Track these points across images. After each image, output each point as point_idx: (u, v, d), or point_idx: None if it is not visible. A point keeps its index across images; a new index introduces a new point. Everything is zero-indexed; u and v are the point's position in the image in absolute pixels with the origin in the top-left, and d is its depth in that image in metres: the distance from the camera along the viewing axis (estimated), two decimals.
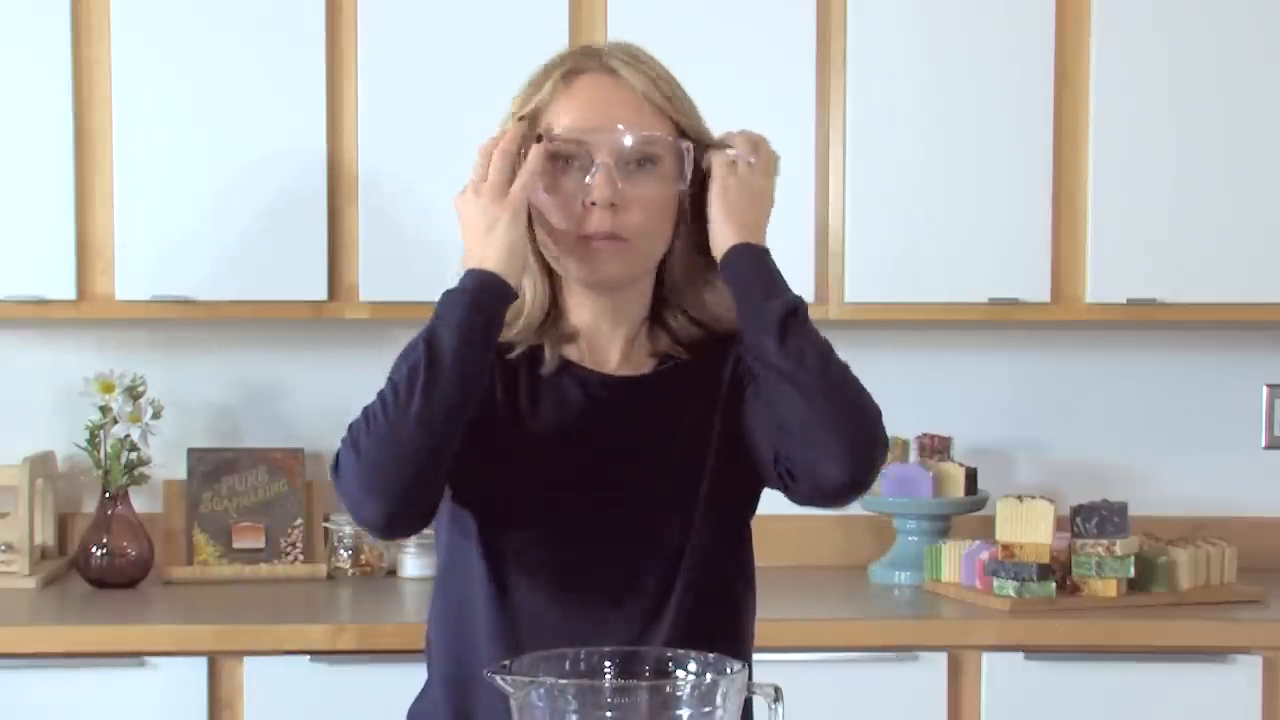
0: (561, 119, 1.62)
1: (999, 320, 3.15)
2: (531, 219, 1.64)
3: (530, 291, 1.67)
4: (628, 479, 1.66)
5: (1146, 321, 3.19)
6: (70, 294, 3.00)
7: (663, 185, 1.63)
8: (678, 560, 1.65)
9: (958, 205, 3.05)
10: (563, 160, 1.62)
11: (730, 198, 1.63)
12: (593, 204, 1.60)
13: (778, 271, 1.64)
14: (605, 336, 1.70)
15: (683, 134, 1.64)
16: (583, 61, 1.64)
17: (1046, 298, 3.07)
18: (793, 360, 1.57)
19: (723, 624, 1.69)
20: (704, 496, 1.67)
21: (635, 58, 1.65)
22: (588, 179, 1.60)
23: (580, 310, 1.69)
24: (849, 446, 1.57)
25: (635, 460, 1.67)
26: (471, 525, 1.66)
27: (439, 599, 1.72)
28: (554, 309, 1.69)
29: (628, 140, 1.60)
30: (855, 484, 1.59)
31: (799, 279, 2.99)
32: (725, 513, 1.70)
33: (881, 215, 3.05)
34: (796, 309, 1.60)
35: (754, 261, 1.62)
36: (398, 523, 1.56)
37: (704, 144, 1.66)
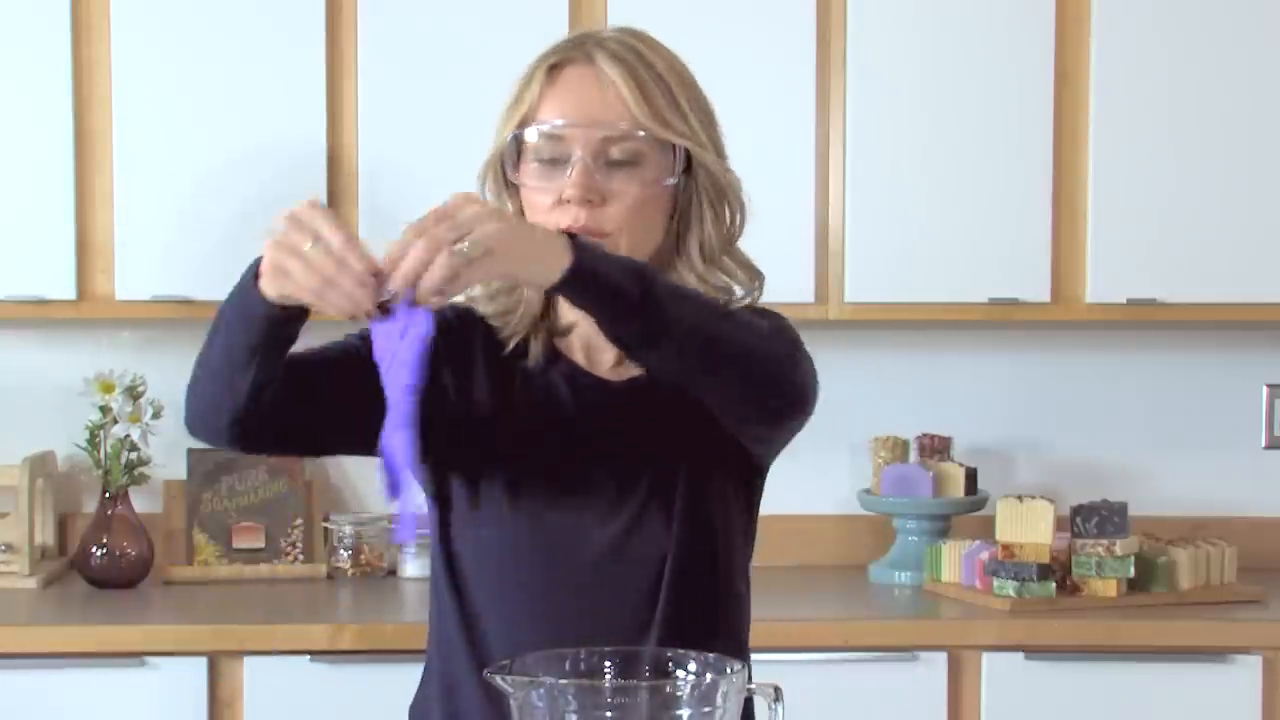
0: (545, 113, 1.60)
1: (999, 320, 3.15)
2: (524, 215, 1.62)
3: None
4: (608, 483, 1.63)
5: (1146, 321, 3.19)
6: (70, 294, 3.00)
7: (645, 182, 1.59)
8: (660, 571, 1.62)
9: (958, 205, 3.05)
10: (544, 158, 1.59)
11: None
12: (568, 200, 1.57)
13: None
14: (601, 337, 1.64)
15: (665, 127, 1.58)
16: (569, 52, 1.61)
17: (1046, 298, 3.07)
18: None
19: (714, 633, 1.64)
20: (685, 501, 1.63)
21: (626, 46, 1.60)
22: (566, 174, 1.58)
23: (571, 309, 1.64)
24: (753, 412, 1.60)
25: (619, 464, 1.63)
26: (437, 528, 1.66)
27: (431, 596, 1.73)
28: (548, 302, 1.67)
29: (601, 134, 1.57)
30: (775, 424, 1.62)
31: (799, 279, 3.04)
32: (711, 518, 1.66)
33: (881, 215, 3.05)
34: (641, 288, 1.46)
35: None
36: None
37: (691, 140, 1.60)
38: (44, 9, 2.97)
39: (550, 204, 1.59)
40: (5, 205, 2.99)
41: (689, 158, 1.61)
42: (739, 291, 1.68)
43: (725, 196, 1.65)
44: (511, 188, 1.64)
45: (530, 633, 1.57)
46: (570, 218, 1.57)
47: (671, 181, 1.60)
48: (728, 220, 1.66)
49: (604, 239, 1.57)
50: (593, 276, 1.42)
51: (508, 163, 1.62)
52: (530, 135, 1.59)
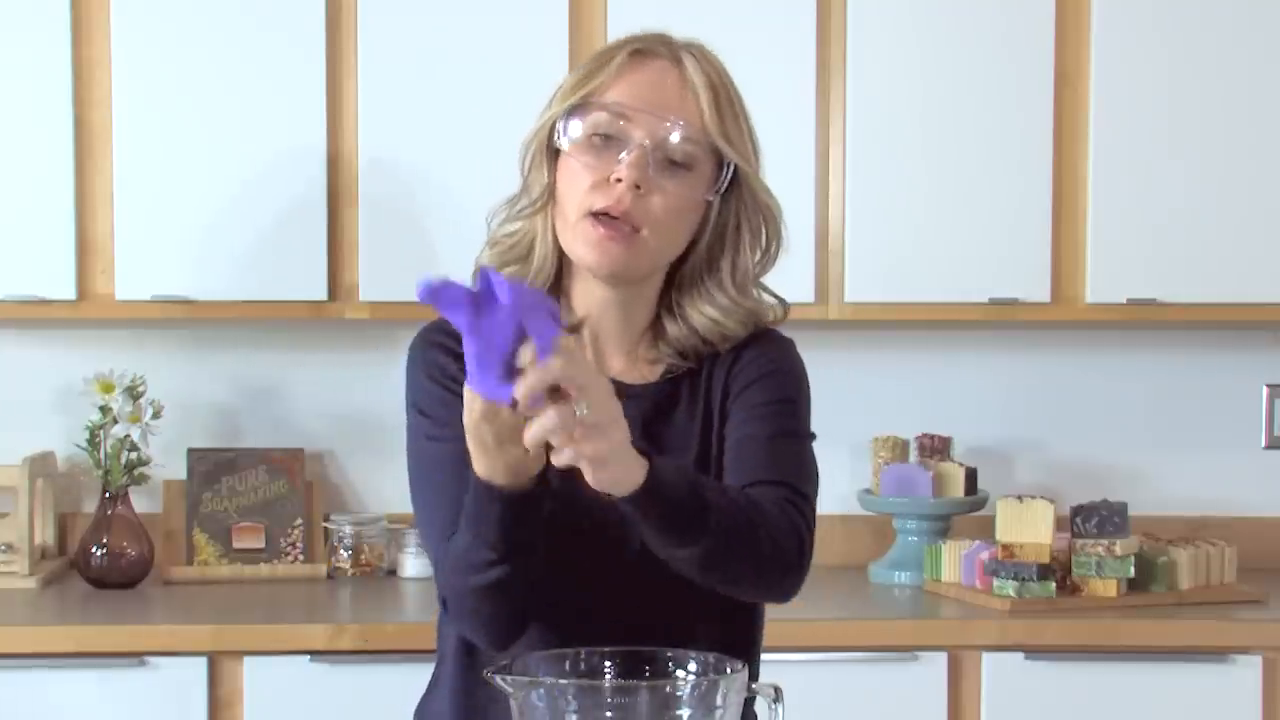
0: (619, 92, 1.59)
1: (999, 320, 3.15)
2: (558, 187, 1.62)
3: (538, 262, 1.64)
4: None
5: (1146, 321, 3.19)
6: (70, 294, 3.00)
7: (692, 189, 1.60)
8: (682, 587, 1.56)
9: (957, 205, 3.05)
10: (601, 134, 1.59)
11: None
12: (618, 180, 1.57)
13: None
14: (610, 337, 1.66)
15: (728, 144, 1.60)
16: (655, 45, 1.62)
17: (1046, 298, 3.07)
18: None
19: (729, 648, 1.57)
20: None
21: (705, 58, 1.62)
22: (621, 155, 1.57)
23: (585, 298, 1.65)
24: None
25: None
26: None
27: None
28: (557, 290, 1.66)
29: (674, 135, 1.58)
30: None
31: (799, 279, 3.04)
32: None
33: (881, 215, 3.05)
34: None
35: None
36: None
37: (745, 162, 1.62)
38: (44, 9, 2.97)
39: (592, 182, 1.58)
40: (5, 205, 2.99)
41: (734, 179, 1.62)
42: (766, 314, 1.69)
43: (767, 222, 1.66)
44: (552, 159, 1.63)
45: (564, 635, 1.53)
46: (611, 199, 1.56)
47: (712, 197, 1.62)
48: (764, 246, 1.67)
49: (636, 232, 1.57)
50: (661, 482, 1.39)
51: (561, 130, 1.61)
52: (599, 108, 1.58)
